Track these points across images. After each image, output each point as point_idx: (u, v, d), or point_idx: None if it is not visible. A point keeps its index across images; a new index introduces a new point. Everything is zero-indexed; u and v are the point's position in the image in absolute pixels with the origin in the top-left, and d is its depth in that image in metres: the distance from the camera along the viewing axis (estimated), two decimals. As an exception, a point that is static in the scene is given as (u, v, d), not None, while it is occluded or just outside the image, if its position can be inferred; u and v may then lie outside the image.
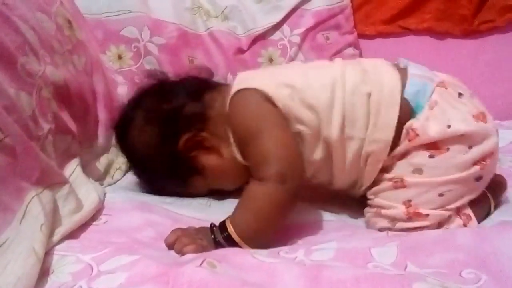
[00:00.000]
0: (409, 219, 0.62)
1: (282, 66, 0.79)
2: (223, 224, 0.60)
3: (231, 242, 0.58)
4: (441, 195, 0.62)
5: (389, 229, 0.63)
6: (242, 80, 0.69)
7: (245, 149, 0.65)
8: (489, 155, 0.63)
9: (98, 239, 0.58)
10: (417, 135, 0.62)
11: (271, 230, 0.60)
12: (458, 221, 0.64)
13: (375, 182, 0.66)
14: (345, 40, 1.18)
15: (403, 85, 0.64)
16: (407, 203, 0.62)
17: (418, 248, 0.55)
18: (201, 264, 0.48)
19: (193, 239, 0.57)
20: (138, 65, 1.04)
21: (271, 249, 0.57)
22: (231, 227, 0.58)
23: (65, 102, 0.73)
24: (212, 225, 0.61)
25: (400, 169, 0.63)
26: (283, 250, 0.57)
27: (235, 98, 0.66)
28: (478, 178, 0.63)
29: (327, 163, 0.66)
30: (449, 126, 0.62)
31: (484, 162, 0.62)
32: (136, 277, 0.47)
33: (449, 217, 0.63)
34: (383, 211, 0.63)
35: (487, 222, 0.66)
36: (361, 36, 1.22)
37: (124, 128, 0.74)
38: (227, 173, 0.70)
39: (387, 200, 0.63)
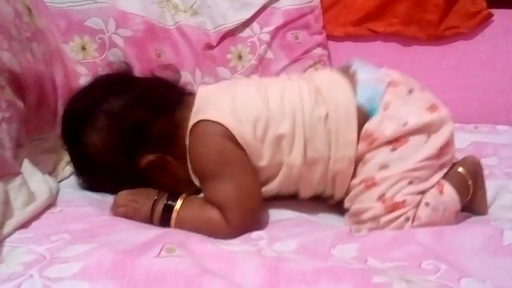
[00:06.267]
0: (390, 212, 0.62)
1: (241, 88, 0.70)
2: (174, 197, 0.63)
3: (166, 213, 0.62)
4: (410, 182, 0.63)
5: (375, 228, 0.62)
6: (202, 105, 0.66)
7: (204, 184, 0.64)
8: (448, 143, 0.65)
9: (53, 228, 0.55)
10: (375, 138, 0.64)
11: None
12: (432, 191, 0.64)
13: (348, 190, 0.66)
14: (314, 40, 1.18)
15: (354, 92, 0.66)
16: (382, 197, 0.63)
17: (379, 244, 0.55)
18: (159, 253, 0.47)
19: (128, 201, 0.63)
20: (102, 57, 1.01)
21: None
22: (177, 213, 0.61)
23: (20, 91, 0.69)
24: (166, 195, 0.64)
25: (367, 170, 0.64)
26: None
27: (195, 132, 0.64)
28: (441, 166, 0.65)
29: (293, 182, 0.66)
30: (405, 124, 0.63)
31: (445, 149, 0.64)
32: (91, 267, 0.46)
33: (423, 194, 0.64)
34: (364, 216, 0.63)
35: None
36: (330, 37, 1.23)
37: (78, 124, 0.67)
38: (179, 188, 0.67)
39: (363, 203, 0.64)
